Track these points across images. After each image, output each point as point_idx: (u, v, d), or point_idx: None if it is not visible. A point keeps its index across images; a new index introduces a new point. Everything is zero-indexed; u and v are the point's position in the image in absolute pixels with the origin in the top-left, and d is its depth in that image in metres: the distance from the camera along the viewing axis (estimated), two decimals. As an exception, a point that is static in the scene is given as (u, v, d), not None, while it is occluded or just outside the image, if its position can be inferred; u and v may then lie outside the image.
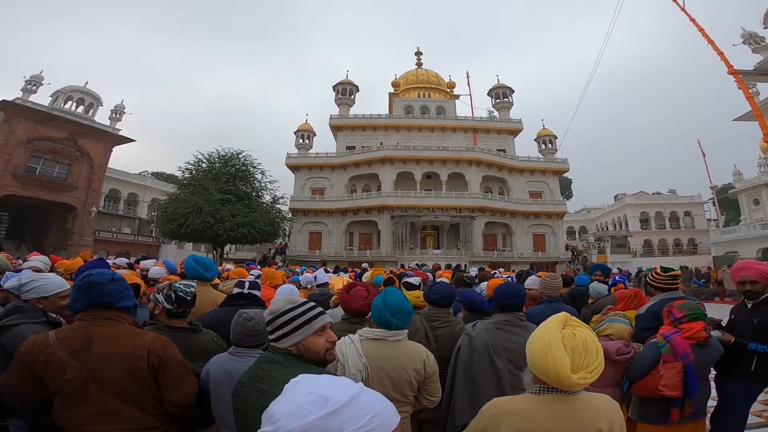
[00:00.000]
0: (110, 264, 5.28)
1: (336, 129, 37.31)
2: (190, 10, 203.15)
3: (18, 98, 26.35)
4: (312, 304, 1.34)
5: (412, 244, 30.79)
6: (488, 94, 39.79)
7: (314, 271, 5.92)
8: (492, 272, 8.41)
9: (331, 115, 37.34)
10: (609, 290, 4.52)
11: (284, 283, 4.80)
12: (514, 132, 37.45)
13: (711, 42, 22.23)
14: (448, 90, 43.45)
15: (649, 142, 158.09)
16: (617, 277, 5.11)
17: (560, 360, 1.15)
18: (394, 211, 30.79)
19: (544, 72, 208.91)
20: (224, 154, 26.60)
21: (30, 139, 26.37)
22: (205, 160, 26.26)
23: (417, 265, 12.11)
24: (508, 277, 6.84)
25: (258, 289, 2.83)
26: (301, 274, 6.88)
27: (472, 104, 42.37)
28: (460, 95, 43.11)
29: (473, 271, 8.45)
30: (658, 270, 3.12)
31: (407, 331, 1.93)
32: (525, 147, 39.49)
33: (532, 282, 3.90)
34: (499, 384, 2.13)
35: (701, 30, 22.67)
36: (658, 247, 41.40)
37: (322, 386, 0.63)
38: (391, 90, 43.10)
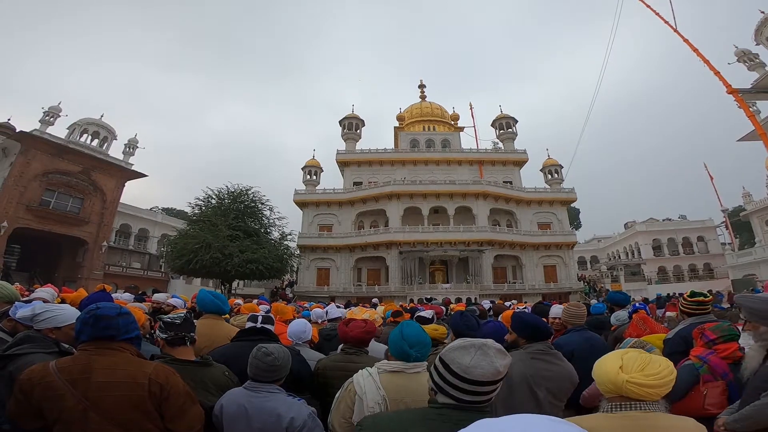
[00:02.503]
0: (113, 297, 5.25)
1: (343, 164, 37.93)
2: (199, 47, 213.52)
3: (35, 130, 27.19)
4: None
5: (420, 279, 30.44)
6: (492, 125, 40.57)
7: (325, 307, 5.84)
8: (505, 304, 8.22)
9: (337, 150, 38.10)
10: (630, 317, 4.47)
11: (294, 318, 4.70)
12: (520, 163, 37.78)
13: (707, 62, 22.35)
14: (453, 122, 44.37)
15: (654, 167, 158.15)
16: (637, 304, 4.98)
17: (609, 361, 1.26)
18: (402, 247, 30.70)
19: (545, 100, 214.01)
20: (233, 190, 27.03)
21: (45, 172, 27.01)
22: (214, 197, 26.68)
23: (426, 299, 11.88)
24: (524, 308, 6.65)
25: (271, 324, 2.79)
26: (310, 309, 6.78)
27: (477, 136, 43.12)
28: (464, 127, 43.94)
29: (486, 304, 8.26)
30: (687, 296, 3.16)
31: (426, 363, 1.88)
32: (531, 177, 39.87)
33: (555, 311, 3.79)
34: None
35: (696, 51, 22.90)
36: (673, 273, 40.53)
37: None
38: (396, 124, 44.16)
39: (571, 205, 38.10)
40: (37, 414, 1.45)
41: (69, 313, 2.15)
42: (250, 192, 27.33)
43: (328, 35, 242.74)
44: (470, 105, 46.01)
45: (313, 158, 38.41)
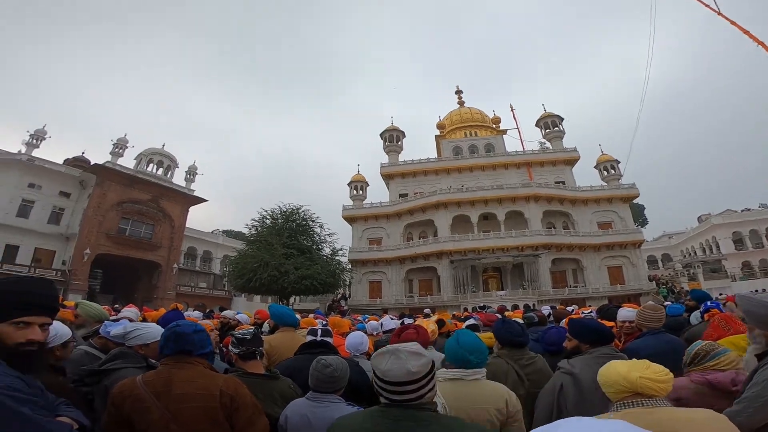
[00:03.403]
0: (184, 315, 5.66)
1: (387, 177, 38.27)
2: (241, 73, 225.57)
3: (108, 162, 30.18)
4: None
5: (474, 287, 29.72)
6: (537, 124, 39.10)
7: (379, 319, 5.92)
8: (566, 309, 7.80)
9: (381, 164, 38.53)
10: (702, 317, 4.23)
11: (350, 330, 4.80)
12: (571, 161, 35.96)
13: (761, 43, 20.91)
14: (494, 126, 43.23)
15: (717, 153, 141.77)
16: (709, 303, 4.51)
17: (617, 365, 1.41)
18: (453, 256, 30.22)
19: (590, 97, 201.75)
20: (285, 210, 28.24)
21: (120, 201, 29.87)
22: (268, 217, 28.04)
23: (479, 307, 11.58)
24: (589, 312, 6.28)
25: (330, 336, 2.89)
26: (365, 322, 6.87)
27: (521, 138, 41.60)
28: (507, 130, 42.66)
29: (545, 310, 7.90)
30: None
31: (485, 370, 1.90)
32: (585, 176, 37.65)
33: (625, 315, 3.56)
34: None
35: (746, 32, 21.33)
36: (760, 268, 36.19)
37: None
38: (437, 132, 43.85)
39: (634, 201, 35.48)
40: (128, 426, 1.57)
41: (155, 331, 2.35)
42: (300, 210, 28.39)
43: (362, 49, 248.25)
44: (511, 107, 44.82)
45: (358, 173, 39.15)
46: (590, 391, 2.00)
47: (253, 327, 2.71)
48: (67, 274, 26.95)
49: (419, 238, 33.86)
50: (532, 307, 21.52)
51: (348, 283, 33.20)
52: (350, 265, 32.70)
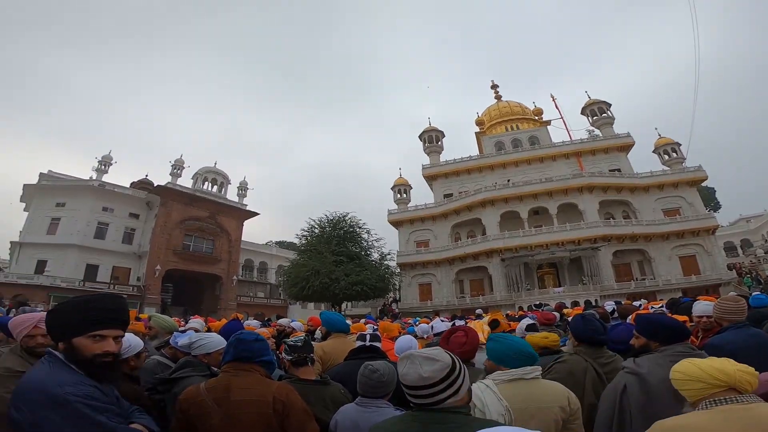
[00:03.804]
0: (244, 324, 5.93)
1: (430, 178, 38.00)
2: (276, 85, 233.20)
3: (169, 183, 32.62)
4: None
5: (528, 285, 28.62)
6: (582, 113, 37.08)
7: (430, 321, 5.85)
8: (633, 305, 7.26)
9: (422, 165, 38.33)
10: None
11: (400, 334, 4.79)
12: (626, 148, 33.70)
13: None
14: (536, 118, 41.64)
15: None
16: None
17: (709, 360, 1.31)
18: (504, 254, 29.34)
19: (633, 82, 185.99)
20: (332, 218, 28.98)
21: (182, 219, 32.16)
22: (317, 226, 28.95)
23: (534, 306, 11.09)
24: (660, 307, 5.79)
25: (379, 341, 2.91)
26: (415, 325, 6.83)
27: (567, 127, 39.52)
28: (550, 120, 40.88)
29: (608, 306, 7.41)
30: None
31: (540, 368, 1.87)
32: (642, 163, 34.95)
33: (702, 309, 3.25)
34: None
35: None
36: None
37: None
38: (476, 129, 42.91)
39: (702, 184, 32.49)
40: (193, 431, 1.67)
41: (216, 341, 2.49)
42: (347, 218, 29.00)
43: (391, 52, 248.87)
44: (552, 97, 42.81)
45: (401, 177, 39.27)
46: (658, 393, 1.86)
47: (304, 334, 2.78)
48: (142, 290, 29.42)
49: (467, 238, 33.25)
50: (594, 304, 20.38)
51: (398, 287, 33.34)
52: (399, 269, 32.80)
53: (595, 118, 35.99)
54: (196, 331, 3.71)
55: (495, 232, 30.80)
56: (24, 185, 31.00)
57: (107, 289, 27.66)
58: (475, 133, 42.90)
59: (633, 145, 33.61)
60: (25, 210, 31.67)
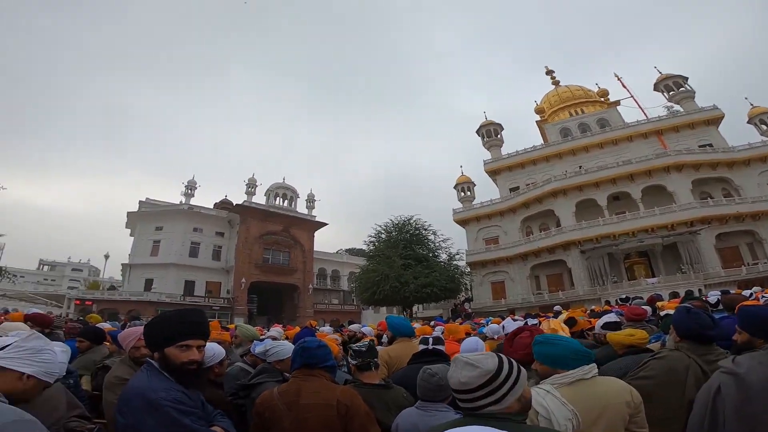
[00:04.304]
0: (318, 330, 6.21)
1: (493, 173, 36.70)
2: (329, 98, 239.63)
3: (245, 201, 35.38)
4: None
5: (614, 276, 26.30)
6: (656, 89, 33.49)
7: (502, 321, 5.65)
8: (743, 294, 6.34)
9: (484, 160, 37.15)
10: None
11: (468, 336, 4.69)
12: (714, 121, 29.77)
13: None
14: (603, 99, 38.57)
15: None
16: None
17: None
18: (583, 245, 27.34)
19: (705, 51, 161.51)
20: (397, 222, 29.25)
21: (260, 234, 34.61)
22: (383, 231, 29.42)
23: (621, 299, 10.14)
24: (772, 297, 5.00)
25: (442, 344, 2.88)
26: (486, 325, 6.61)
27: (640, 106, 35.78)
28: (620, 100, 37.49)
29: (712, 296, 6.53)
30: None
31: (596, 366, 1.79)
32: (737, 136, 30.51)
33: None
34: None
35: None
36: None
37: None
38: (537, 118, 40.84)
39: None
40: None
41: (288, 348, 2.68)
42: (411, 221, 29.09)
43: (438, 50, 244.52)
44: (616, 76, 39.22)
45: (462, 175, 38.35)
46: (759, 394, 1.62)
47: (368, 340, 2.86)
48: (231, 301, 32.17)
49: (540, 231, 31.53)
50: (696, 294, 18.10)
51: (469, 287, 32.62)
52: (469, 268, 32.08)
53: (671, 93, 32.46)
54: (274, 339, 3.99)
55: (570, 222, 28.84)
56: (128, 213, 35.61)
57: (203, 302, 30.69)
58: (536, 122, 40.86)
59: (722, 117, 29.66)
60: (130, 235, 36.32)
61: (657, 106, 33.75)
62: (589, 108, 37.60)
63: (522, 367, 1.23)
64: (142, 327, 2.59)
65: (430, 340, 2.82)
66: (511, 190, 34.62)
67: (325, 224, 39.86)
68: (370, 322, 14.17)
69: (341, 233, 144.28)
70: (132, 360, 2.41)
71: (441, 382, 1.84)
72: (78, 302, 28.84)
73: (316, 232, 39.71)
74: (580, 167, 30.97)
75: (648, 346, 2.80)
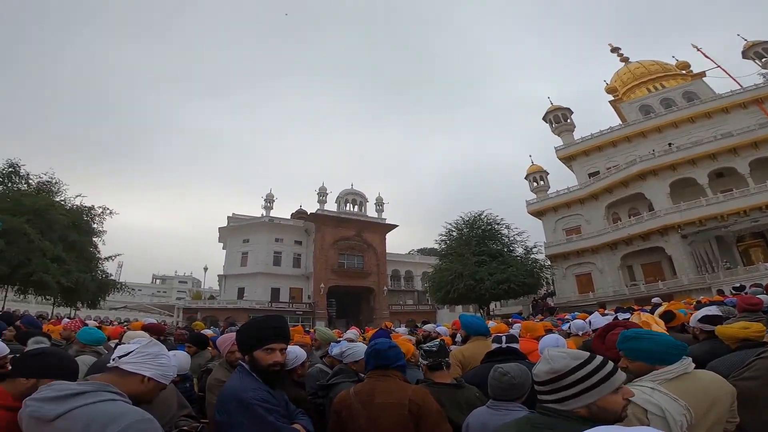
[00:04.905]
0: (394, 331, 6.33)
1: (567, 159, 34.20)
2: (390, 99, 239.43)
3: (318, 210, 37.18)
4: (601, 358, 1.22)
5: (727, 262, 22.98)
6: (744, 56, 29.22)
7: (589, 316, 5.28)
8: None
9: (555, 147, 34.71)
10: None
11: (547, 333, 4.47)
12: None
13: None
14: (684, 72, 34.46)
15: None
16: None
17: None
18: (684, 229, 24.37)
19: None
20: (468, 219, 28.59)
21: (334, 240, 36.12)
22: (454, 229, 28.97)
23: (734, 289, 8.87)
24: None
25: (516, 342, 2.81)
26: (571, 321, 6.24)
27: (731, 75, 31.13)
28: (704, 72, 33.08)
29: None
30: None
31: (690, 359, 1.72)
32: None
33: None
34: None
35: None
36: None
37: None
38: (609, 98, 37.76)
39: None
40: (344, 431, 1.91)
41: (362, 349, 2.79)
42: (482, 216, 28.26)
43: (494, 41, 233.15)
44: (695, 47, 35.02)
45: (533, 164, 36.25)
46: None
47: (440, 340, 2.88)
48: (312, 306, 34.00)
49: (629, 217, 28.69)
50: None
51: (551, 281, 30.81)
52: (549, 261, 30.26)
53: (764, 60, 28.01)
54: (351, 341, 4.18)
55: (666, 205, 25.87)
56: (219, 228, 39.41)
57: (287, 307, 32.86)
58: (610, 102, 37.73)
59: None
60: (223, 248, 40.12)
61: (750, 74, 29.36)
62: (670, 82, 33.99)
63: (612, 377, 1.15)
64: (235, 333, 2.90)
65: (503, 338, 2.77)
66: (590, 175, 31.98)
67: (396, 226, 40.36)
68: (445, 322, 14.05)
69: (413, 234, 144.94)
70: (228, 363, 2.68)
71: (513, 381, 1.81)
72: (187, 312, 32.59)
73: (388, 235, 40.35)
74: (670, 144, 27.65)
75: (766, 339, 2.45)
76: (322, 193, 38.23)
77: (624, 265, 28.15)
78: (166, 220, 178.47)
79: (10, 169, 19.91)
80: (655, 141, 29.34)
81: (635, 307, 9.67)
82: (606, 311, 9.01)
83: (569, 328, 4.98)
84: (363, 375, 2.55)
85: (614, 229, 28.46)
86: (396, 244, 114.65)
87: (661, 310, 5.75)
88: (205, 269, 54.17)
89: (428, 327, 7.36)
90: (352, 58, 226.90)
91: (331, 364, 3.22)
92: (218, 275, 39.31)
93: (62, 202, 20.26)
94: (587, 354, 1.22)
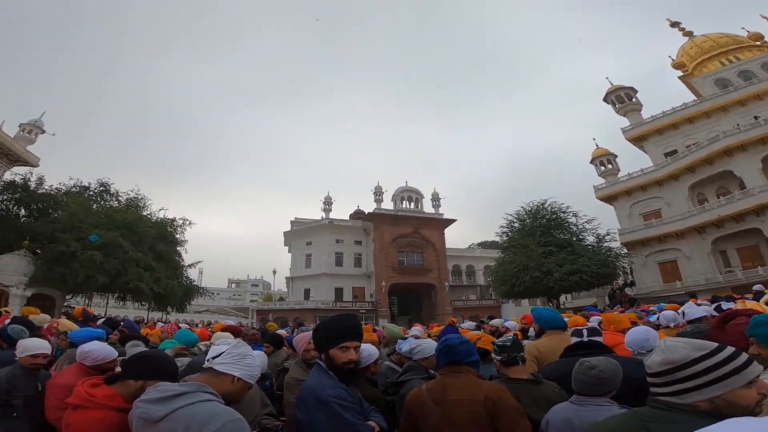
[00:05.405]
0: (460, 327, 6.23)
1: (638, 140, 31.36)
2: (440, 92, 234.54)
3: (375, 209, 37.71)
4: (732, 349, 1.10)
5: None
6: None
7: (680, 307, 4.82)
8: None
9: (622, 128, 31.95)
10: None
11: (633, 326, 4.13)
12: None
13: None
14: (758, 43, 31.25)
15: None
16: None
17: None
18: (784, 206, 21.29)
19: None
20: (529, 209, 27.33)
21: (393, 238, 36.47)
22: (515, 220, 27.84)
23: None
24: None
25: (599, 336, 2.63)
26: (657, 312, 5.74)
27: None
28: None
29: None
30: None
31: None
32: None
33: None
34: None
35: None
36: None
37: None
38: (676, 75, 34.98)
39: None
40: (416, 428, 1.88)
41: (432, 346, 2.77)
42: (546, 205, 26.90)
43: (541, 24, 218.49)
44: (765, 17, 30.78)
45: (598, 147, 33.61)
46: None
47: (512, 334, 2.77)
48: (375, 304, 34.58)
49: (718, 197, 25.62)
50: None
51: (629, 270, 28.51)
52: (625, 249, 27.97)
53: None
54: (416, 338, 4.18)
55: (759, 182, 22.80)
56: (284, 233, 41.46)
57: (351, 306, 33.73)
58: (679, 77, 34.53)
59: None
60: (288, 251, 42.15)
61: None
62: (745, 54, 30.72)
63: (745, 370, 1.04)
64: (310, 332, 3.02)
65: (585, 331, 2.60)
66: (667, 155, 29.07)
67: (454, 220, 39.81)
68: (512, 316, 13.56)
69: (472, 228, 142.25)
70: (304, 362, 2.79)
71: (602, 375, 1.71)
72: (261, 313, 34.74)
73: (446, 230, 39.92)
74: (756, 117, 24.37)
75: None
76: (378, 192, 38.76)
77: (716, 250, 25.20)
78: (237, 227, 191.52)
79: (101, 188, 22.78)
80: (738, 115, 26.20)
81: (735, 296, 8.63)
82: (699, 301, 8.14)
83: (658, 319, 4.62)
84: (434, 372, 2.53)
85: (701, 210, 25.59)
86: (455, 238, 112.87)
87: (767, 297, 5.10)
88: (274, 272, 57.36)
89: (495, 322, 7.18)
90: (400, 53, 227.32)
91: (399, 361, 3.23)
92: (286, 277, 41.50)
93: (149, 216, 22.58)
94: (714, 344, 1.11)
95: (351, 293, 37.02)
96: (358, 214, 41.72)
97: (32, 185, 20.17)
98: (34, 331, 4.50)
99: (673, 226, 26.39)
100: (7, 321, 5.23)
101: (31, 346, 2.72)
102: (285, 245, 43.00)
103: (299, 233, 39.78)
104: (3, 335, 3.79)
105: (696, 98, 30.34)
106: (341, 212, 46.99)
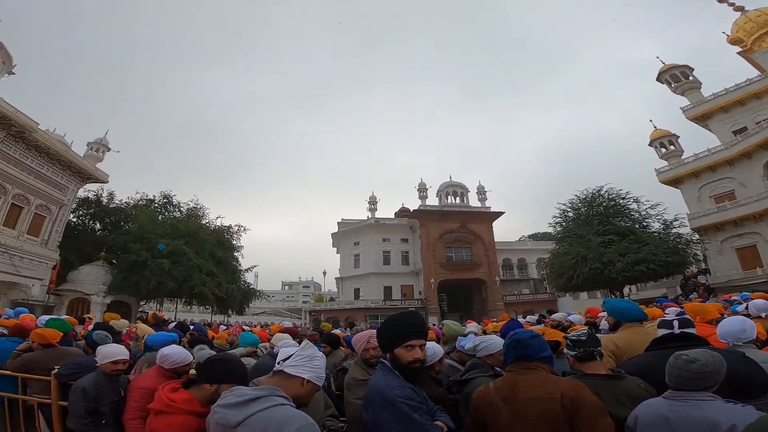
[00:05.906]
0: (522, 322, 5.97)
1: (701, 119, 28.62)
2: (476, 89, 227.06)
3: (420, 206, 37.46)
4: None
5: None
6: None
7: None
8: None
9: (681, 108, 29.23)
10: None
11: (722, 316, 3.76)
12: None
13: None
14: None
15: None
16: None
17: None
18: None
19: None
20: (584, 196, 25.88)
21: (440, 234, 36.01)
22: (569, 209, 26.48)
23: None
24: None
25: (692, 327, 2.42)
26: (743, 302, 5.20)
27: None
28: None
29: None
30: None
31: None
32: None
33: None
34: None
35: None
36: None
37: None
38: (732, 51, 30.92)
39: None
40: (484, 428, 1.78)
41: (497, 342, 2.65)
42: (602, 192, 25.35)
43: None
44: None
45: (656, 129, 31.06)
46: None
47: (586, 327, 2.57)
48: (424, 302, 34.38)
49: (804, 173, 22.79)
50: None
51: (701, 257, 26.16)
52: (696, 235, 25.68)
53: None
54: (476, 334, 4.04)
55: None
56: (332, 234, 42.37)
57: (400, 304, 33.76)
58: (738, 53, 30.99)
59: None
60: (337, 252, 43.04)
61: None
62: None
63: None
64: (368, 331, 2.99)
65: (675, 322, 2.37)
66: (735, 133, 26.36)
67: (501, 213, 38.60)
68: (572, 309, 12.86)
69: (522, 220, 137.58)
70: (363, 361, 2.75)
71: (704, 369, 1.55)
72: (313, 314, 35.80)
73: (495, 223, 38.78)
74: None
75: None
76: (422, 189, 38.51)
77: (807, 231, 22.47)
78: (287, 232, 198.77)
79: (165, 200, 24.61)
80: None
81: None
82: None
83: (746, 309, 4.19)
84: (499, 369, 2.41)
85: (780, 189, 22.92)
86: (505, 231, 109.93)
87: None
88: (324, 273, 58.66)
89: (557, 316, 6.83)
90: (436, 48, 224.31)
91: (459, 359, 3.14)
92: (335, 278, 42.39)
93: (207, 224, 24.03)
94: None
95: (400, 291, 37.10)
96: (403, 212, 41.68)
97: (104, 200, 22.15)
98: (116, 336, 4.78)
99: (749, 208, 23.80)
100: (90, 327, 5.62)
101: (111, 352, 2.77)
102: (333, 246, 43.92)
103: (346, 234, 40.47)
104: (88, 341, 4.05)
105: (760, 74, 27.29)
106: (386, 211, 47.30)
